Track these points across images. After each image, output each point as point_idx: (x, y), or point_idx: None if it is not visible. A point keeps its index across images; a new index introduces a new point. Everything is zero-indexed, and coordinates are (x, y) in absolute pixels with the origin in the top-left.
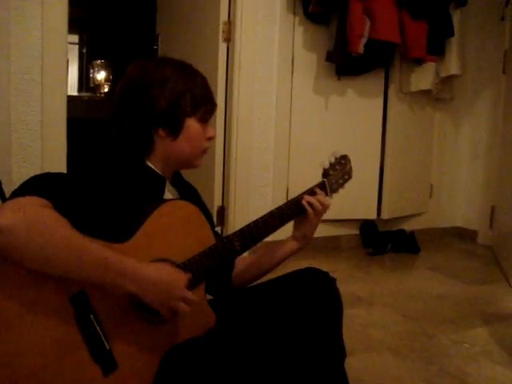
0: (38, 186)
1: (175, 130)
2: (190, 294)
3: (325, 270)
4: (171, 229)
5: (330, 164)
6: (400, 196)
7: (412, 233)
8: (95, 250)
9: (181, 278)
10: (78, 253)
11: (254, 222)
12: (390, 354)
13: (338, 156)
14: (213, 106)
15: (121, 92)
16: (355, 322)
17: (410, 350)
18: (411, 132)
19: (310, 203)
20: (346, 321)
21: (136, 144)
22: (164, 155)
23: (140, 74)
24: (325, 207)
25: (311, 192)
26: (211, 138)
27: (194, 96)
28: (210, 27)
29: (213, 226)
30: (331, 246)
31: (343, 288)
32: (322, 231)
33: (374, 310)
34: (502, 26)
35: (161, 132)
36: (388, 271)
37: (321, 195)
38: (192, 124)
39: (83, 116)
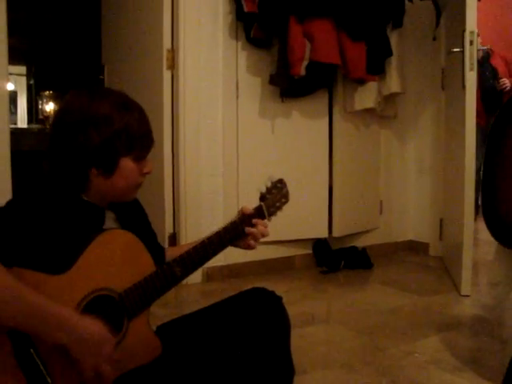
0: None
1: (109, 170)
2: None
3: (279, 290)
4: (110, 258)
5: (267, 188)
6: (350, 213)
7: (364, 249)
8: (30, 299)
9: (110, 338)
10: (12, 301)
11: (193, 247)
12: (344, 369)
13: (274, 180)
14: (150, 143)
15: (55, 125)
16: (309, 341)
17: (363, 364)
18: (358, 150)
19: (251, 233)
20: (300, 339)
21: (71, 181)
22: (98, 191)
23: (75, 110)
24: (264, 236)
25: (248, 218)
26: (147, 174)
27: (129, 135)
28: (154, 55)
29: (155, 239)
30: (285, 266)
31: (298, 307)
32: (275, 252)
33: (329, 327)
34: (437, 44)
35: (94, 171)
36: (342, 288)
37: (261, 225)
38: (127, 163)
39: (33, 148)
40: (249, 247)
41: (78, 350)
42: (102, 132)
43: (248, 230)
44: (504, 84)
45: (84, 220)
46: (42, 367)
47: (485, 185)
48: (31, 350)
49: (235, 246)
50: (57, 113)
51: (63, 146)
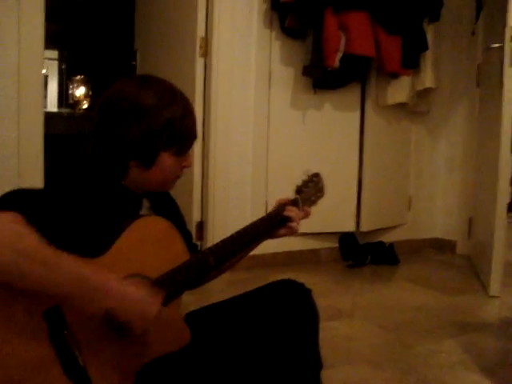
0: (12, 201)
1: (147, 164)
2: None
3: (305, 283)
4: (144, 244)
5: (303, 181)
6: (379, 208)
7: (391, 245)
8: (71, 263)
9: (157, 293)
10: (52, 265)
11: (229, 237)
12: (369, 365)
13: (310, 174)
14: (192, 139)
15: (100, 112)
16: (335, 335)
17: (388, 361)
18: (388, 145)
19: (290, 216)
20: (325, 333)
21: (111, 168)
22: (137, 180)
23: (120, 99)
24: (301, 218)
25: (284, 206)
26: (186, 167)
27: (171, 131)
28: (187, 43)
29: (190, 239)
30: (311, 259)
31: (323, 301)
32: (301, 244)
33: (354, 322)
34: (474, 40)
35: (133, 162)
36: (367, 283)
37: (296, 212)
38: (166, 158)
39: (63, 132)
40: (291, 230)
41: (125, 311)
42: (143, 127)
43: (287, 212)
44: None
45: (122, 206)
46: (74, 349)
47: None
48: (65, 331)
49: (278, 236)
50: (103, 99)
51: (106, 134)
